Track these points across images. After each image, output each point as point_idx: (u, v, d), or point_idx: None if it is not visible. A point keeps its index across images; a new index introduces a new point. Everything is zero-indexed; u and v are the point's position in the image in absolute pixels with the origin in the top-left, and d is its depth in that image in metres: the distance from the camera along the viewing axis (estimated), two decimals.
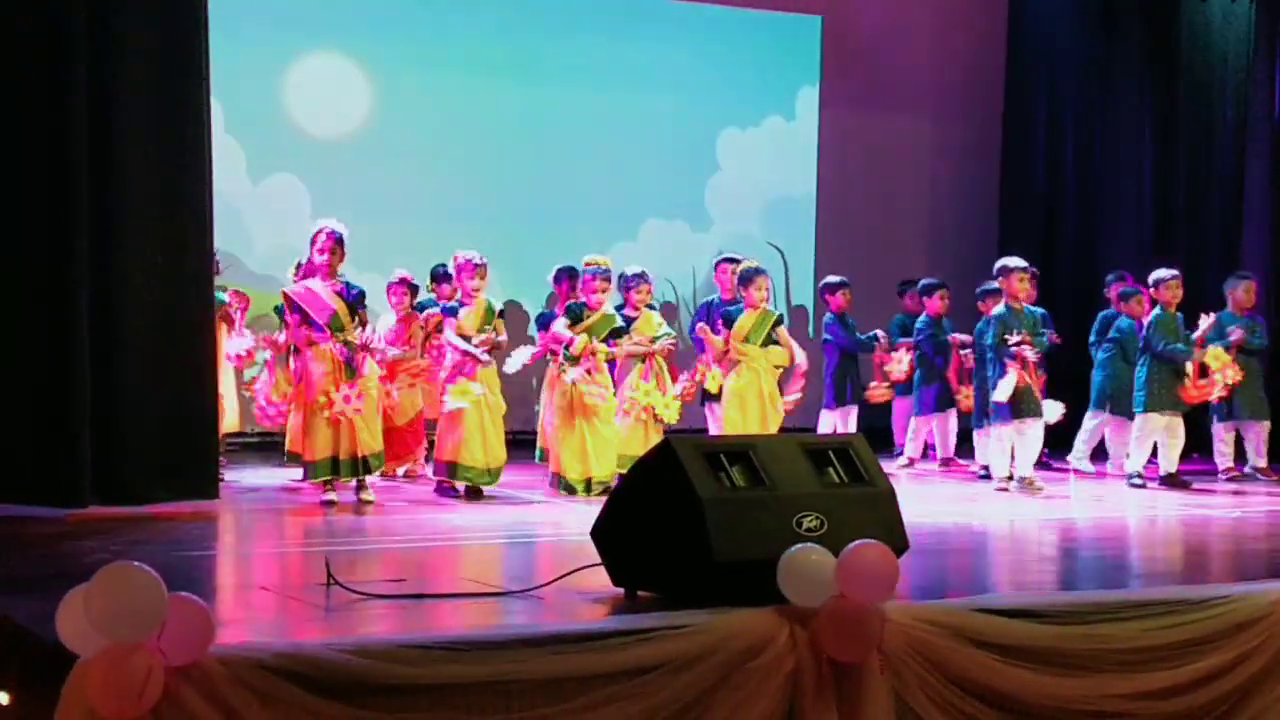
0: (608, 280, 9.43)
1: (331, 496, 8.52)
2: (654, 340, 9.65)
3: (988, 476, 10.37)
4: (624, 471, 8.78)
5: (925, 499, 9.34)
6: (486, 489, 9.09)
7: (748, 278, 9.88)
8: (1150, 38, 13.52)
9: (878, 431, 11.40)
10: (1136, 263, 12.61)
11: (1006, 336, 9.88)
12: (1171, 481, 10.35)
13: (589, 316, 9.35)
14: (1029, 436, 10.01)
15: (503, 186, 12.91)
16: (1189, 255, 13.42)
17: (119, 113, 8.07)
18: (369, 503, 8.53)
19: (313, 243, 8.72)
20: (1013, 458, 10.00)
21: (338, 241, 8.63)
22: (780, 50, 14.13)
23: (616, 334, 9.41)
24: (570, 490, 9.11)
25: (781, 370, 9.94)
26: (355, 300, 8.69)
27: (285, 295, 8.87)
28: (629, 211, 13.44)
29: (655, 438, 9.02)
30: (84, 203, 7.90)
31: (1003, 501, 9.45)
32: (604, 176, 13.29)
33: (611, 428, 9.28)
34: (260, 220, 12.24)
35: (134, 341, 8.12)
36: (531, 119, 13.07)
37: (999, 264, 10.40)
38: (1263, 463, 11.02)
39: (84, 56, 7.94)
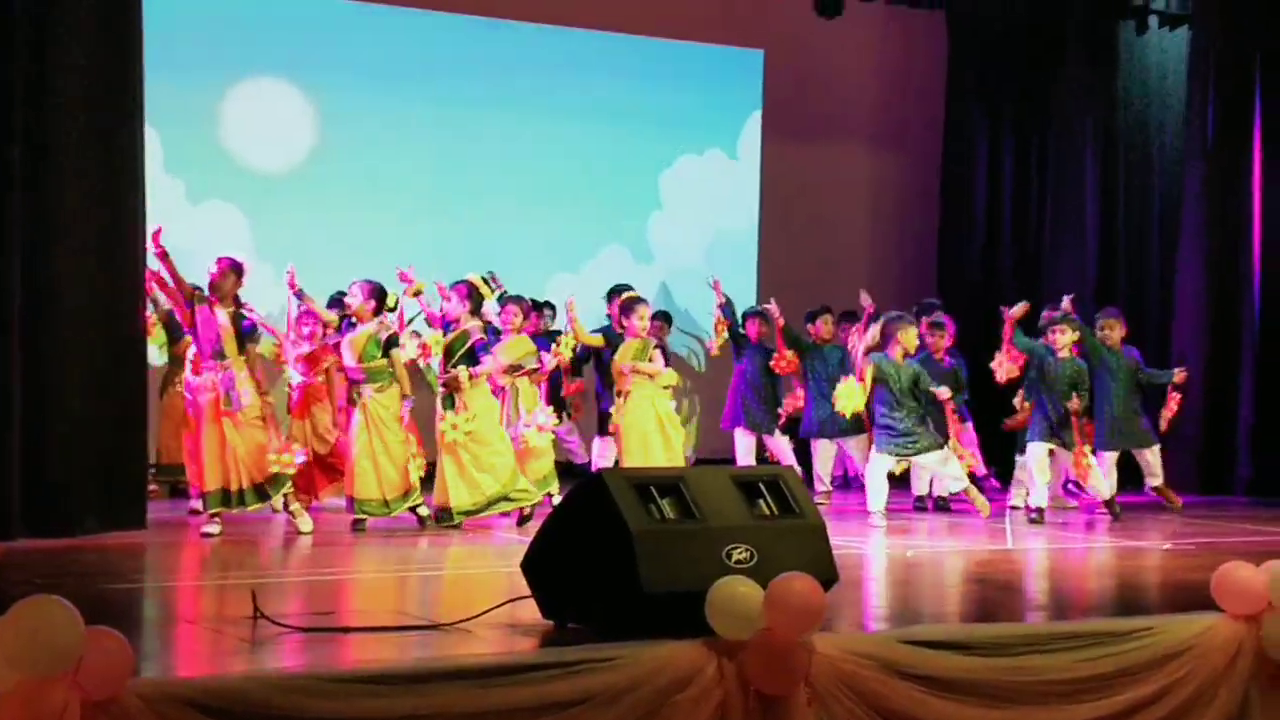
0: (468, 294, 9.25)
1: (212, 529, 8.41)
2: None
3: (924, 507, 10.37)
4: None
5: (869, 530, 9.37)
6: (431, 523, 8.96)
7: (629, 307, 9.90)
8: (1088, 70, 13.61)
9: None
10: (1078, 293, 12.69)
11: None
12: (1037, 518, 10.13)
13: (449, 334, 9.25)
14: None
15: (443, 218, 12.88)
16: (1131, 284, 13.53)
17: (54, 129, 8.03)
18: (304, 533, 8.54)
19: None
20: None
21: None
22: (722, 84, 14.19)
23: (471, 353, 9.11)
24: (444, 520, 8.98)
25: (674, 388, 9.93)
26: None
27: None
28: (572, 244, 13.45)
29: None
30: (17, 239, 7.83)
31: (927, 534, 9.46)
32: (547, 209, 13.28)
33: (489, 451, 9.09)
34: (200, 252, 12.12)
35: (63, 371, 8.05)
36: (474, 152, 13.07)
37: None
38: (1159, 481, 10.90)
39: (20, 69, 7.89)
